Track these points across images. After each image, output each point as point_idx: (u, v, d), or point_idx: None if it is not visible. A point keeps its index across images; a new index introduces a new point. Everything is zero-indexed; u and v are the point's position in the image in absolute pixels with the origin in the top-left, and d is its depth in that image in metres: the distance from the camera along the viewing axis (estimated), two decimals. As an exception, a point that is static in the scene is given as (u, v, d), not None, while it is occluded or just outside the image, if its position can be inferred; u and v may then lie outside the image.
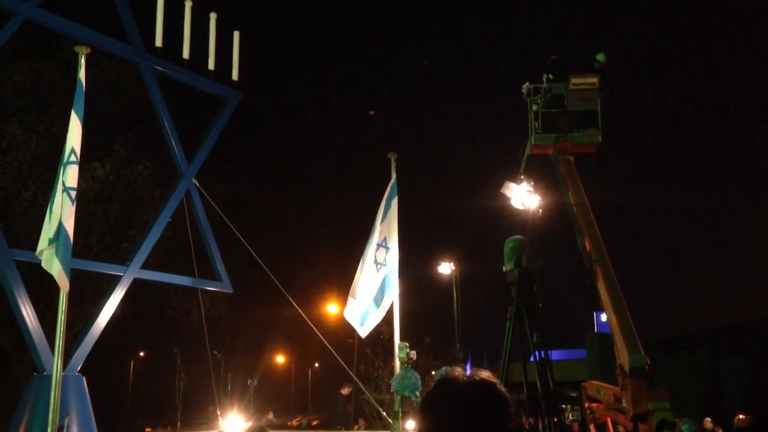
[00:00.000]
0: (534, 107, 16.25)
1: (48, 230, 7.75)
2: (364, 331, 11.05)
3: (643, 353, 13.15)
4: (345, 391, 18.50)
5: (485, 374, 2.04)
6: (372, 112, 49.64)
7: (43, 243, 7.71)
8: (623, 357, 13.31)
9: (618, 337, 13.66)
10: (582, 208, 15.28)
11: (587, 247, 14.73)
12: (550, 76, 16.13)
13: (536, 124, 16.21)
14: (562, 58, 16.56)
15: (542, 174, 16.45)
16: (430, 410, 2.03)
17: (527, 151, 16.51)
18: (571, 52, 17.29)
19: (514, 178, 16.14)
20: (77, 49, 8.61)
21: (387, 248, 11.13)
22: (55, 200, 7.85)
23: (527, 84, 16.46)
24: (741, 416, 20.03)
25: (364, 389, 17.82)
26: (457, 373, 2.05)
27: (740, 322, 31.10)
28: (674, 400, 13.09)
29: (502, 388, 2.03)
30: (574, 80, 16.00)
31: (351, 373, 15.89)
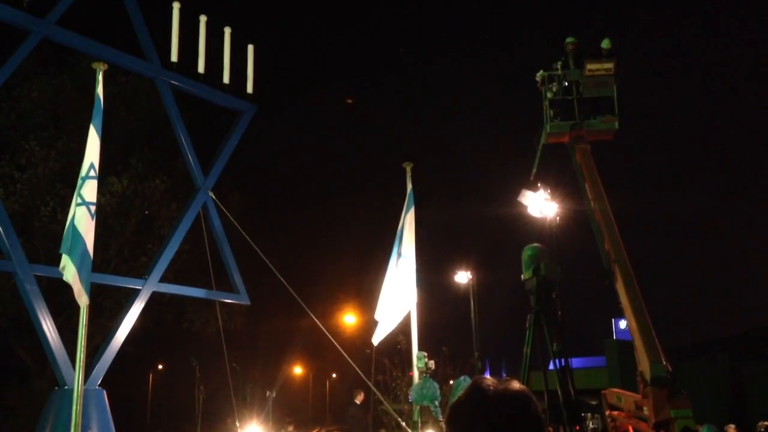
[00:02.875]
0: (549, 95, 16.05)
1: (65, 245, 7.80)
2: (376, 339, 11.00)
3: (664, 362, 12.98)
4: (358, 399, 18.45)
5: (517, 385, 1.90)
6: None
7: (65, 260, 7.77)
8: (644, 364, 13.14)
9: (638, 343, 13.49)
10: (599, 201, 14.94)
11: (605, 246, 14.48)
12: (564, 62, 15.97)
13: (551, 112, 16.01)
14: (575, 43, 16.34)
15: (559, 182, 16.31)
16: (458, 423, 1.88)
17: (542, 141, 16.23)
18: (584, 39, 17.06)
19: (531, 186, 16.01)
20: (95, 65, 8.70)
21: (404, 258, 11.12)
22: (73, 214, 7.90)
23: (541, 72, 16.24)
24: (764, 423, 19.74)
25: (382, 399, 17.74)
26: (488, 383, 1.89)
27: (762, 327, 30.74)
28: (696, 406, 12.92)
29: (536, 402, 1.89)
30: (589, 66, 15.79)
31: (369, 383, 15.84)
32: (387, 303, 10.81)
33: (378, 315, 10.81)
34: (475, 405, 1.86)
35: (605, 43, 16.13)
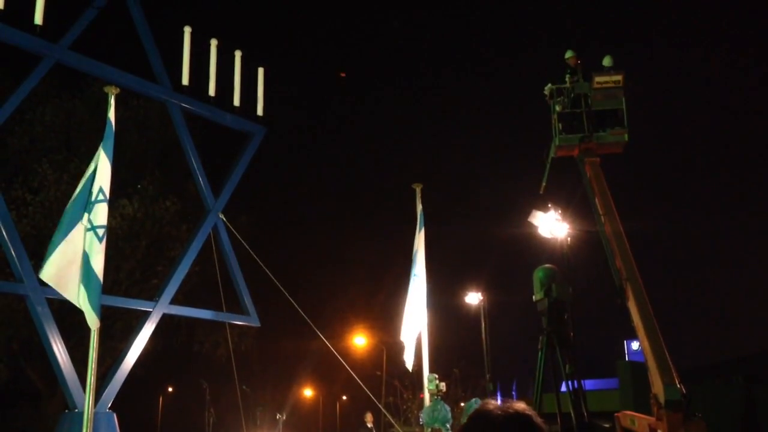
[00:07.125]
0: (557, 108, 16.03)
1: (56, 260, 7.73)
2: (409, 364, 10.97)
3: (678, 384, 12.82)
4: (368, 421, 18.32)
5: (520, 406, 1.95)
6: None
7: (48, 267, 7.68)
8: (657, 386, 12.99)
9: (651, 364, 13.33)
10: (609, 216, 14.80)
11: (617, 263, 14.33)
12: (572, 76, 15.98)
13: (560, 125, 15.98)
14: (576, 57, 16.35)
15: (570, 202, 16.24)
16: None
17: (551, 154, 16.17)
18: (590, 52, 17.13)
19: (542, 207, 15.94)
20: (107, 89, 8.75)
21: (416, 277, 11.10)
22: (83, 239, 7.89)
23: (550, 85, 16.24)
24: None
25: (393, 422, 17.63)
26: (492, 406, 1.95)
27: (777, 349, 30.37)
28: (711, 429, 12.75)
29: (539, 420, 1.94)
30: (597, 78, 15.77)
31: (380, 406, 15.75)
32: (407, 324, 10.80)
33: (403, 337, 10.77)
34: (480, 427, 1.92)
35: (606, 61, 16.14)
